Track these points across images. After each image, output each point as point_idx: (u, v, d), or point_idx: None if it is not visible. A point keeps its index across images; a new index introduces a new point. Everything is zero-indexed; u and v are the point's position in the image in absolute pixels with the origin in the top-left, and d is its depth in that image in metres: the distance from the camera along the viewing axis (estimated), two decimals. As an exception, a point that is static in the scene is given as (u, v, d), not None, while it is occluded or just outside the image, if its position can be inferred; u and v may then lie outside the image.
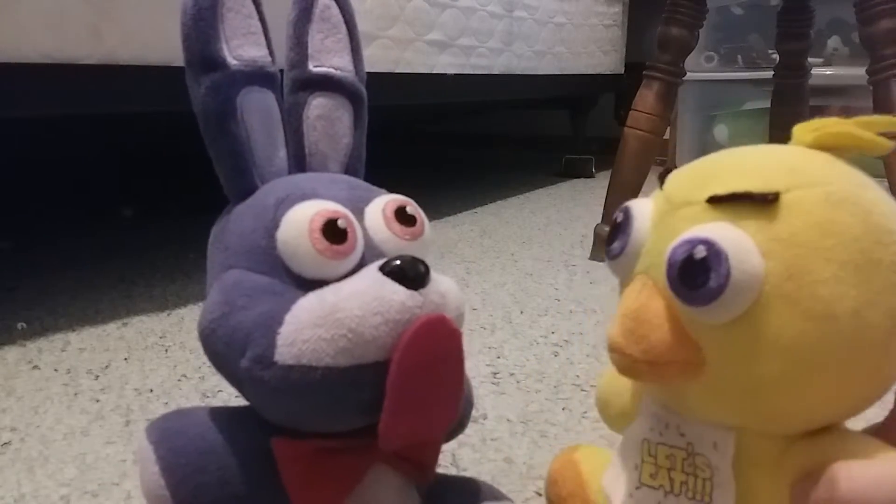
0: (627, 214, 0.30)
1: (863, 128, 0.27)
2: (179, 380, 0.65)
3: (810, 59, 1.19)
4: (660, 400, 0.30)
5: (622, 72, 2.16)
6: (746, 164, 0.28)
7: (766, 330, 0.24)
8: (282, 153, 0.36)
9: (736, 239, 0.24)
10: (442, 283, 0.30)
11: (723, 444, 0.28)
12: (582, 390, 0.59)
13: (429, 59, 1.24)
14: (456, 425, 0.36)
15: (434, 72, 1.27)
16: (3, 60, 0.69)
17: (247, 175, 0.34)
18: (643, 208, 0.29)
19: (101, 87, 0.79)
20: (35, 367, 0.68)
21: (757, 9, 1.86)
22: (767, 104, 1.20)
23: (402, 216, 0.32)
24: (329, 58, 0.38)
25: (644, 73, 1.08)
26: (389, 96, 1.17)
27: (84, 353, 0.72)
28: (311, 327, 0.27)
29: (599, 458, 0.37)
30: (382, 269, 0.29)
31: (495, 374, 0.65)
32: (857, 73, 1.04)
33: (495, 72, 1.49)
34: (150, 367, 0.68)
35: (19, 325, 0.79)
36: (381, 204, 0.32)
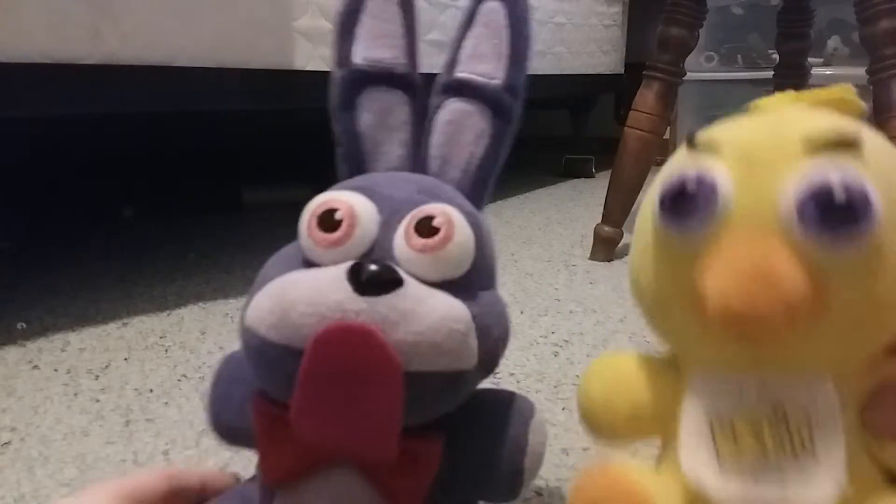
0: (701, 176, 0.27)
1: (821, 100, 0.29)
2: (179, 380, 0.65)
3: (810, 59, 1.19)
4: (727, 367, 0.28)
5: (622, 72, 2.16)
6: (807, 117, 0.28)
7: (888, 256, 0.25)
8: (400, 151, 0.38)
9: (861, 173, 0.25)
10: (419, 302, 0.28)
11: (824, 393, 0.27)
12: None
13: (429, 59, 1.24)
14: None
15: (434, 72, 1.27)
16: (3, 60, 0.69)
17: (354, 164, 0.37)
18: (715, 166, 0.27)
19: (101, 87, 0.79)
20: (35, 367, 0.68)
21: (757, 9, 1.86)
22: (767, 104, 1.20)
23: (425, 227, 0.31)
24: (476, 64, 0.37)
25: (644, 73, 1.08)
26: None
27: (84, 353, 0.72)
28: (263, 296, 0.29)
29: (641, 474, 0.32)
30: (349, 267, 0.28)
31: (495, 373, 0.65)
32: (857, 73, 1.03)
33: (495, 72, 1.49)
34: (150, 367, 0.68)
35: (19, 325, 0.79)
36: (417, 211, 0.31)
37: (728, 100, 1.78)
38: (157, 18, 0.81)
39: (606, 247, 1.07)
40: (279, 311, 0.28)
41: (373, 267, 0.28)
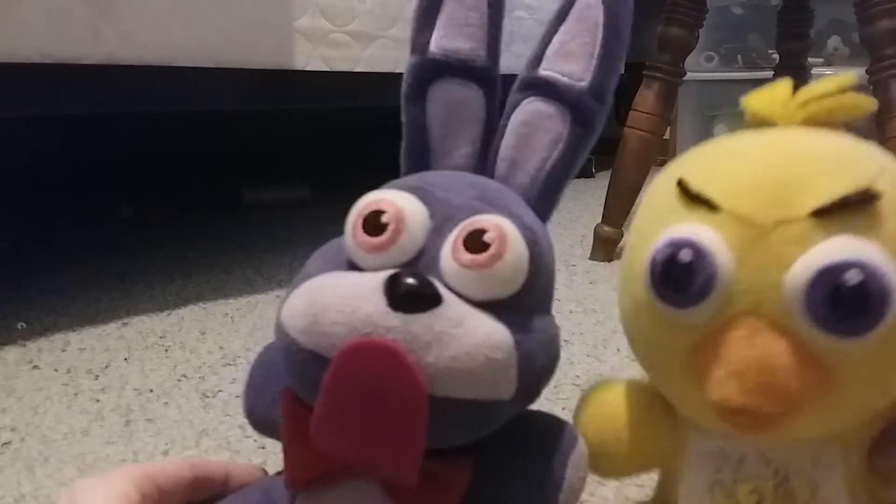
0: (698, 250, 0.25)
1: (836, 92, 0.26)
2: (179, 380, 0.65)
3: (810, 59, 1.19)
4: (727, 435, 0.27)
5: (622, 72, 2.16)
6: (816, 163, 0.25)
7: None
8: (467, 149, 0.35)
9: (877, 252, 0.22)
10: (456, 324, 0.26)
11: (826, 457, 0.26)
12: (582, 390, 0.59)
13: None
14: None
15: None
16: (3, 60, 0.69)
17: (417, 159, 0.35)
18: (712, 238, 0.25)
19: (101, 87, 0.79)
20: (35, 367, 0.68)
21: (757, 9, 1.86)
22: (767, 104, 1.20)
23: (474, 241, 0.28)
24: (562, 62, 0.34)
25: (644, 73, 1.08)
26: (389, 96, 1.17)
27: (84, 353, 0.72)
28: (298, 296, 0.28)
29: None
30: (387, 277, 0.27)
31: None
32: (857, 73, 1.04)
33: (495, 72, 1.49)
34: (150, 367, 0.68)
35: (19, 325, 0.79)
36: (470, 222, 0.29)
37: (728, 100, 1.78)
38: (157, 18, 0.81)
39: (606, 247, 1.07)
40: (311, 315, 0.27)
41: (411, 280, 0.26)
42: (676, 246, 0.25)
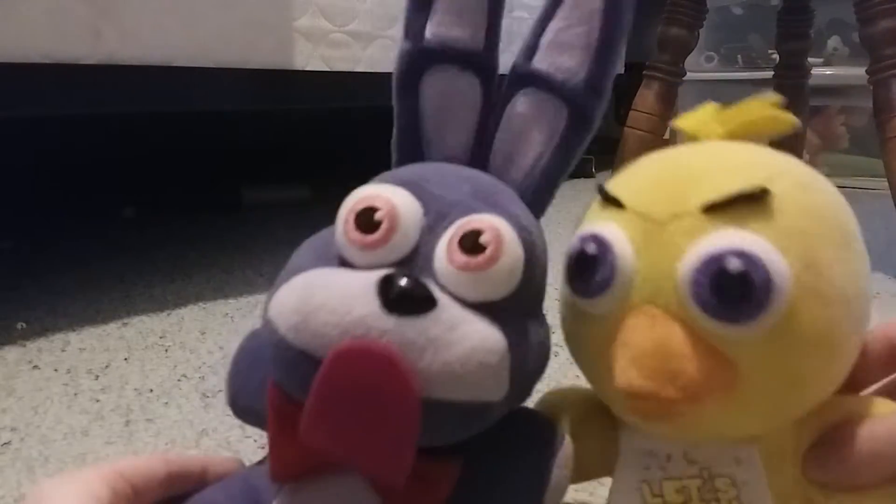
0: (601, 243, 0.26)
1: (759, 110, 0.28)
2: (179, 380, 0.65)
3: (810, 59, 1.19)
4: (657, 433, 0.28)
5: (622, 72, 2.16)
6: (714, 164, 0.27)
7: (801, 327, 0.24)
8: (462, 139, 0.34)
9: (760, 242, 0.23)
10: (451, 328, 0.26)
11: (747, 456, 0.26)
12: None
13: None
14: None
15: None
16: (3, 60, 0.69)
17: (409, 149, 0.34)
18: (616, 232, 0.26)
19: (101, 87, 0.79)
20: (35, 367, 0.68)
21: (757, 9, 1.86)
22: (767, 104, 1.20)
23: (469, 242, 0.27)
24: (558, 54, 0.33)
25: (644, 73, 1.08)
26: (390, 96, 1.17)
27: (84, 353, 0.72)
28: (288, 291, 0.27)
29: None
30: (380, 278, 0.26)
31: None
32: (857, 73, 1.04)
33: (495, 72, 1.49)
34: (150, 367, 0.68)
35: (19, 325, 0.79)
36: (465, 221, 0.28)
37: (728, 100, 1.78)
38: (157, 18, 0.81)
39: (606, 247, 1.07)
40: (301, 313, 0.26)
41: (404, 282, 0.26)
42: (584, 240, 0.27)
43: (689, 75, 1.11)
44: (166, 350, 0.72)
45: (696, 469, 0.27)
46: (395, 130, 0.34)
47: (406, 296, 0.25)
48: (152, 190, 1.67)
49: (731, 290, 0.23)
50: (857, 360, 0.26)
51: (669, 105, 1.07)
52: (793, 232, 0.24)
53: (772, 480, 0.26)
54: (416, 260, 0.28)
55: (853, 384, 0.27)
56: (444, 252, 0.28)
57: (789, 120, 0.28)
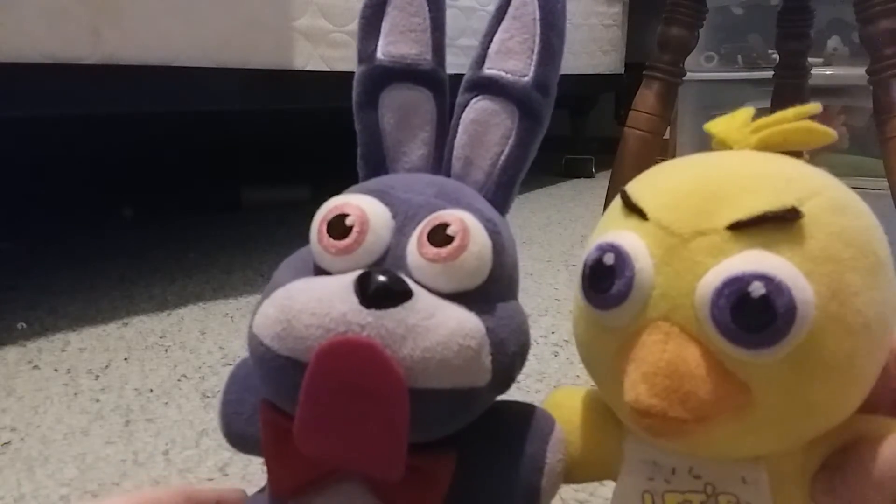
0: (619, 253, 0.26)
1: (793, 119, 0.27)
2: (179, 380, 0.65)
3: (810, 59, 1.19)
4: (663, 446, 0.27)
5: (622, 72, 2.16)
6: (744, 179, 0.25)
7: (822, 354, 0.23)
8: (422, 151, 0.36)
9: (787, 267, 0.22)
10: (428, 316, 0.27)
11: (754, 476, 0.26)
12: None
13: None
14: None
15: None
16: (3, 60, 0.69)
17: (374, 165, 0.36)
18: (636, 244, 0.26)
19: (101, 87, 0.79)
20: (35, 367, 0.68)
21: (757, 9, 1.86)
22: (767, 104, 1.20)
23: (438, 235, 0.29)
24: (505, 60, 0.35)
25: (644, 73, 1.08)
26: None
27: (84, 353, 0.72)
28: (269, 304, 0.28)
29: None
30: (357, 277, 0.27)
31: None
32: (857, 73, 1.04)
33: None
34: (150, 367, 0.68)
35: (19, 325, 0.79)
36: (432, 218, 0.30)
37: (728, 100, 1.78)
38: (157, 18, 0.81)
39: (606, 247, 1.07)
40: (284, 321, 0.27)
41: (381, 278, 0.27)
42: (603, 250, 0.26)
43: (689, 75, 1.11)
44: (166, 350, 0.72)
45: (701, 485, 0.27)
46: (359, 149, 0.36)
47: (383, 290, 0.26)
48: (152, 190, 1.67)
49: (752, 316, 0.22)
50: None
51: (669, 105, 1.07)
52: (822, 257, 0.23)
53: (777, 502, 0.26)
54: (388, 260, 0.29)
55: (870, 403, 0.26)
56: (415, 247, 0.29)
57: (825, 132, 0.27)
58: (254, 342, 0.28)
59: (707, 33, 1.65)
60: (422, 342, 0.26)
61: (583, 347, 0.30)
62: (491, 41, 0.36)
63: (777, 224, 0.23)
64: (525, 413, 0.33)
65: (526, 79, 0.35)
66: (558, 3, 0.35)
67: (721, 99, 1.82)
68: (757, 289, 0.22)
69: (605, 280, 0.26)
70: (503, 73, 0.35)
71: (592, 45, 1.96)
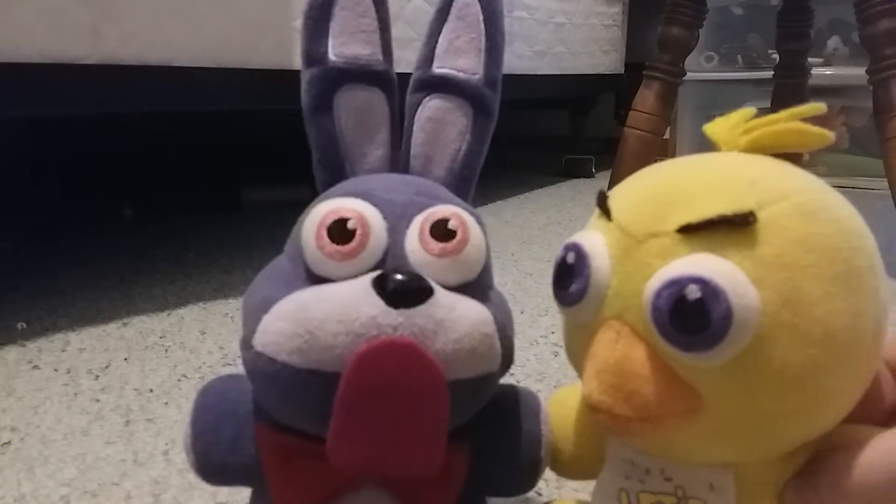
0: (580, 253, 0.26)
1: (787, 120, 0.26)
2: (179, 380, 0.65)
3: (810, 59, 1.19)
4: (635, 446, 0.28)
5: (622, 72, 2.16)
6: (704, 182, 0.25)
7: (770, 363, 0.22)
8: (380, 152, 0.36)
9: (728, 272, 0.22)
10: (451, 309, 0.27)
11: (721, 483, 0.26)
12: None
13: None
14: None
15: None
16: (3, 60, 0.69)
17: (332, 169, 0.35)
18: (596, 244, 0.26)
19: (101, 87, 0.79)
20: (35, 367, 0.68)
21: (757, 9, 1.86)
22: (767, 104, 1.20)
23: (440, 230, 0.29)
24: (454, 59, 0.36)
25: (644, 73, 1.08)
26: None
27: (84, 353, 0.72)
28: (276, 319, 0.27)
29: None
30: (374, 279, 0.27)
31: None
32: (857, 73, 1.04)
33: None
34: (150, 367, 0.68)
35: (19, 325, 0.79)
36: (427, 215, 0.30)
37: (728, 100, 1.78)
38: (158, 18, 0.81)
39: (606, 247, 1.07)
40: (304, 333, 0.26)
41: (399, 276, 0.27)
42: (567, 249, 0.27)
43: (689, 75, 1.11)
44: (166, 350, 0.72)
45: (672, 487, 0.27)
46: (314, 154, 0.36)
47: (405, 288, 0.27)
48: (152, 190, 1.67)
49: (687, 318, 0.22)
50: (870, 387, 0.25)
51: (669, 105, 1.07)
52: (776, 263, 0.23)
53: None
54: (389, 261, 0.29)
55: (866, 413, 0.26)
56: (417, 244, 0.29)
57: (819, 134, 0.26)
58: (261, 361, 0.27)
59: (707, 33, 1.65)
60: (451, 335, 0.27)
61: (565, 344, 0.31)
62: (437, 41, 0.37)
63: (729, 228, 0.23)
64: (513, 393, 0.34)
65: (477, 76, 0.36)
66: (499, 4, 0.37)
67: (721, 99, 1.82)
68: (692, 292, 0.22)
69: (566, 278, 0.27)
70: (455, 72, 0.36)
71: (592, 45, 1.96)
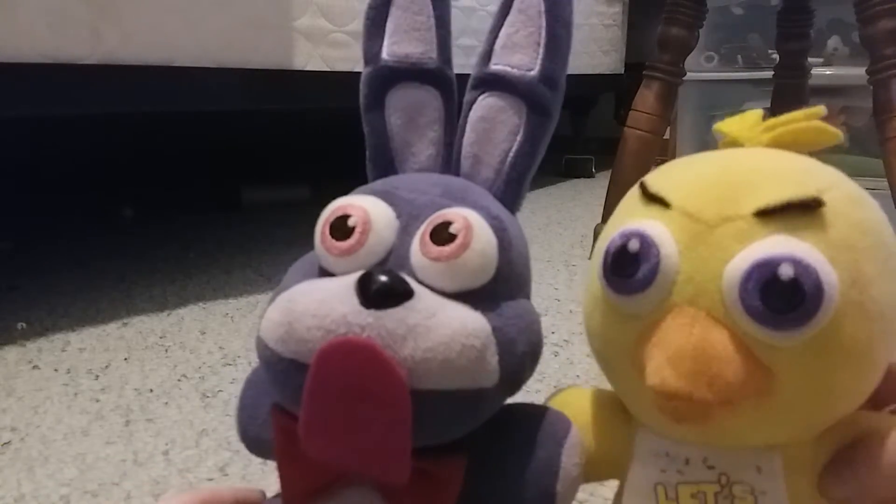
0: (646, 240, 0.26)
1: (804, 119, 0.28)
2: (179, 380, 0.65)
3: (810, 59, 1.19)
4: (673, 436, 0.28)
5: (622, 72, 2.16)
6: (765, 169, 0.26)
7: (842, 340, 0.23)
8: (430, 150, 0.36)
9: (812, 252, 0.23)
10: (429, 316, 0.26)
11: (769, 465, 0.26)
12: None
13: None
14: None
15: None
16: (3, 60, 0.69)
17: (382, 167, 0.35)
18: (660, 231, 0.26)
19: (101, 87, 0.79)
20: (35, 367, 0.68)
21: (757, 9, 1.86)
22: (767, 104, 1.20)
23: (440, 234, 0.28)
24: (510, 55, 0.34)
25: (644, 73, 1.08)
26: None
27: (84, 353, 0.72)
28: (273, 307, 0.28)
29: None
30: (359, 277, 0.27)
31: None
32: (857, 73, 1.04)
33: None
34: (150, 367, 0.68)
35: (19, 325, 0.79)
36: (436, 216, 0.29)
37: (728, 100, 1.78)
38: (158, 18, 0.81)
39: (606, 247, 1.07)
40: (286, 323, 0.27)
41: (382, 278, 0.26)
42: (627, 236, 0.26)
43: (689, 75, 1.11)
44: (166, 350, 0.72)
45: (715, 475, 0.27)
46: (367, 150, 0.36)
47: (384, 289, 0.26)
48: (152, 190, 1.67)
49: (781, 297, 0.23)
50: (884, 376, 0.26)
51: (669, 105, 1.07)
52: (842, 245, 0.24)
53: (790, 492, 0.26)
54: (392, 261, 0.29)
55: (877, 400, 0.27)
56: (418, 246, 0.28)
57: (834, 133, 0.27)
58: (260, 346, 0.28)
59: (707, 33, 1.65)
60: (423, 342, 0.26)
61: (598, 339, 0.30)
62: (497, 36, 0.35)
63: (801, 212, 0.24)
64: (538, 416, 0.32)
65: (532, 73, 0.34)
66: None
67: (721, 99, 1.81)
68: (786, 270, 0.23)
69: (629, 266, 0.26)
70: (508, 69, 0.34)
71: (592, 45, 1.96)
